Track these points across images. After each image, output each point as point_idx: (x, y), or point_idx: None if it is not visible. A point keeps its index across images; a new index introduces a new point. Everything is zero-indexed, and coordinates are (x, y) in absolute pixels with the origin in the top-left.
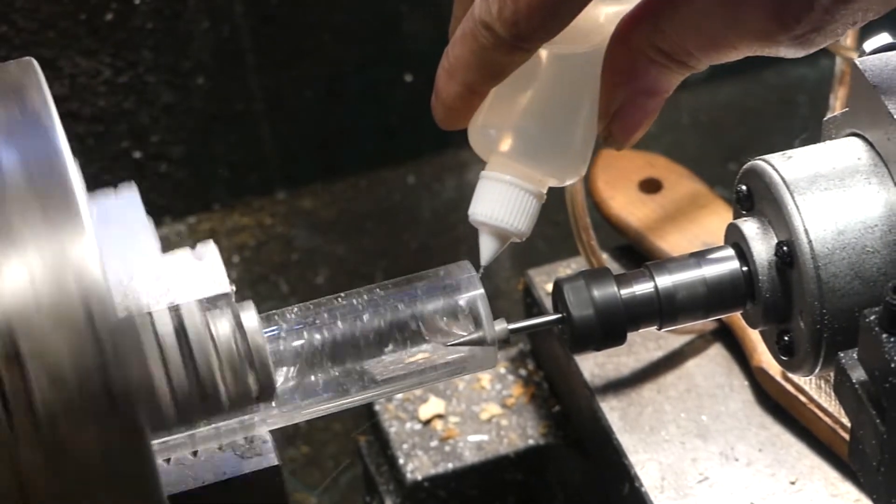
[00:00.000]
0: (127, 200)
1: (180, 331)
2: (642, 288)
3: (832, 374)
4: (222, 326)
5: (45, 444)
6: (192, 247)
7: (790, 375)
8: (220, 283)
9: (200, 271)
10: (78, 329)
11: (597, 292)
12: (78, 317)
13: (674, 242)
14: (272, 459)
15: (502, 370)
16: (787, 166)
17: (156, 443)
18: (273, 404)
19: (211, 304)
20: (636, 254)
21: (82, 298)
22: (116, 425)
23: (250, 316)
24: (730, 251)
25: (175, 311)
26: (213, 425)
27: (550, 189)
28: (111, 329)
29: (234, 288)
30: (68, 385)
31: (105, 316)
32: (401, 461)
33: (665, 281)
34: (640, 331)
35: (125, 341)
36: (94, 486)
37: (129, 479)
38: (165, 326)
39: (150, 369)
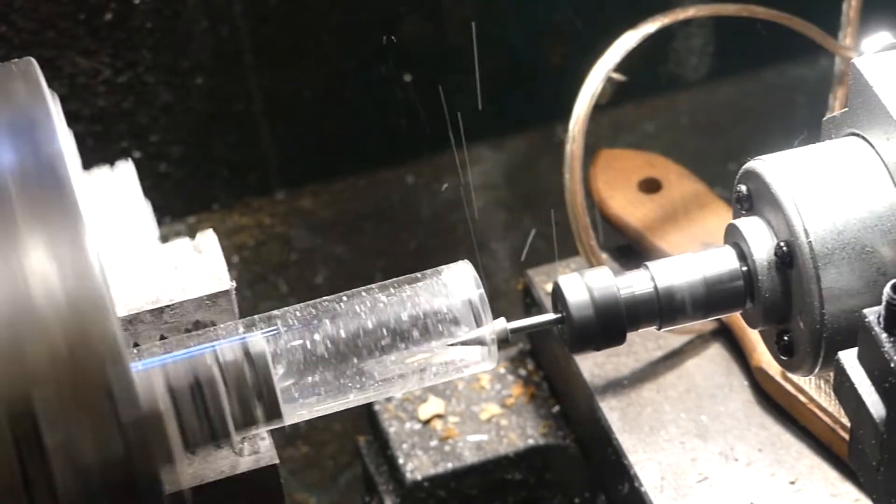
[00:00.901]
0: (123, 180)
1: (195, 384)
2: (642, 288)
3: (832, 374)
4: (233, 363)
5: None
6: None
7: (790, 375)
8: (221, 277)
9: (200, 264)
10: (103, 420)
11: (596, 292)
12: (103, 406)
13: (673, 242)
14: (270, 458)
15: (502, 370)
16: (786, 166)
17: None
18: None
19: (215, 302)
20: (636, 253)
21: (105, 385)
22: None
23: (259, 347)
24: (729, 251)
25: (189, 361)
26: None
27: (549, 188)
28: (135, 421)
29: (234, 284)
30: (92, 476)
31: (129, 405)
32: (400, 461)
33: (665, 281)
34: (640, 331)
35: (149, 432)
36: None
37: None
38: (179, 380)
39: (173, 454)
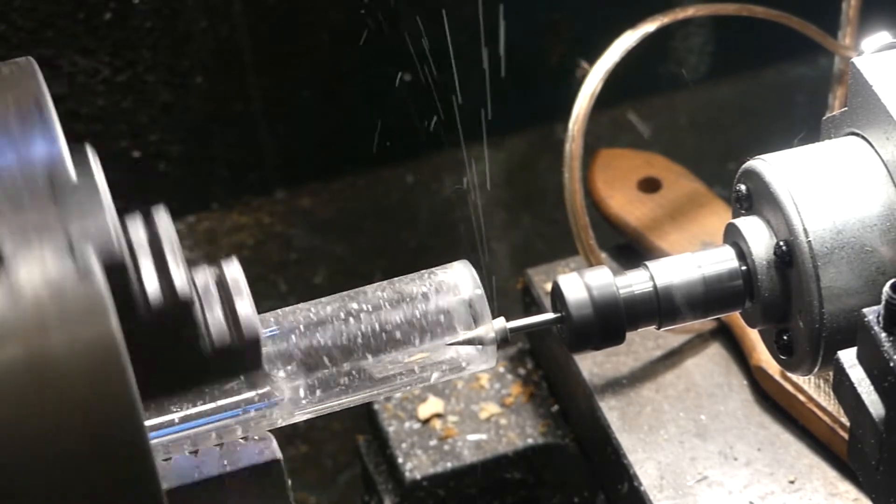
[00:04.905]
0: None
1: (152, 237)
2: (641, 287)
3: (831, 373)
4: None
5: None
6: (191, 248)
7: (789, 375)
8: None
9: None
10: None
11: (595, 292)
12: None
13: (673, 241)
14: (274, 453)
15: (501, 369)
16: (785, 166)
17: (155, 441)
18: (273, 397)
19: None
20: (635, 253)
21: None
22: (71, 264)
23: (234, 268)
24: (729, 250)
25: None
26: (210, 414)
27: (548, 187)
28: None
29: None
30: None
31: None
32: (400, 460)
33: (664, 280)
34: (639, 330)
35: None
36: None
37: (86, 326)
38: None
39: (110, 232)
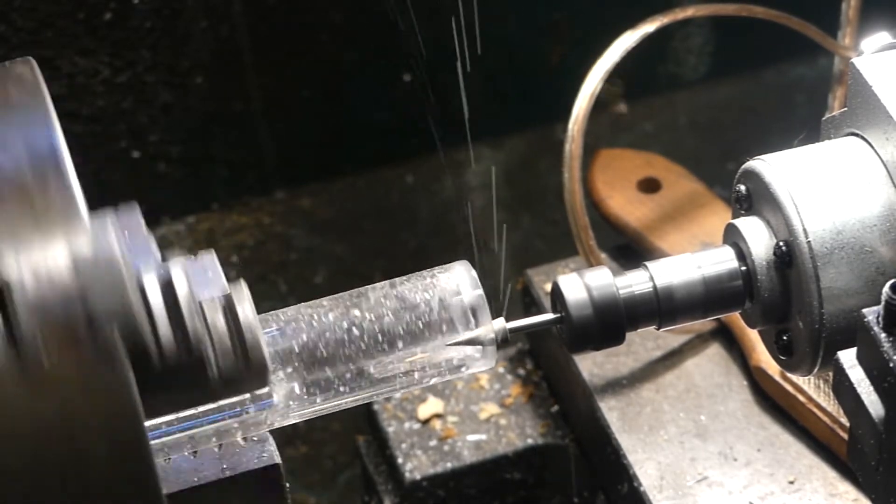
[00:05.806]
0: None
1: (167, 290)
2: (641, 287)
3: (831, 373)
4: (210, 301)
5: (28, 373)
6: (191, 248)
7: (789, 375)
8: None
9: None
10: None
11: (595, 292)
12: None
13: (672, 242)
14: (273, 458)
15: (501, 370)
16: (785, 166)
17: (155, 442)
18: (272, 398)
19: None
20: (635, 253)
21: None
22: (94, 348)
23: (241, 294)
24: (728, 251)
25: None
26: (209, 415)
27: (548, 188)
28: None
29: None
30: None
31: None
32: (399, 460)
33: (663, 280)
34: (639, 330)
35: (103, 274)
36: (76, 415)
37: (109, 405)
38: (151, 283)
39: (132, 307)
